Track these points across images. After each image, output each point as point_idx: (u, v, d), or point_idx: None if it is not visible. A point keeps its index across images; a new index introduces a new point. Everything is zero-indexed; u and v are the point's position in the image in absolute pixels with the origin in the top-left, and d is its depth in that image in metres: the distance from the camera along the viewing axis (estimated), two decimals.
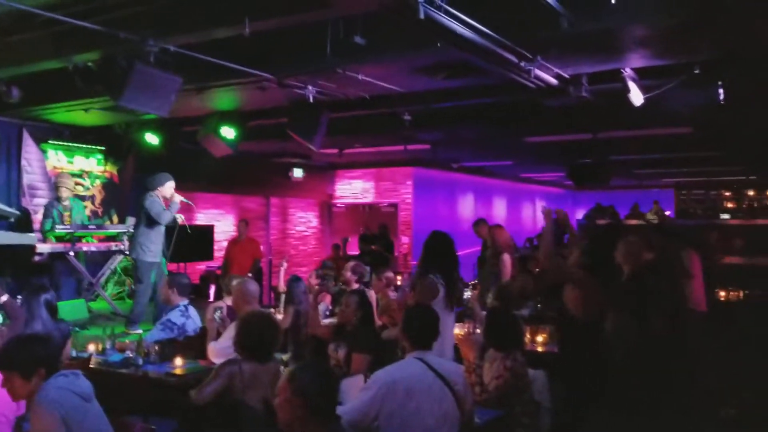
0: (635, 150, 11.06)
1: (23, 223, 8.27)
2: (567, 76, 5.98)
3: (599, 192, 17.28)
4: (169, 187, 7.19)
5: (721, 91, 6.07)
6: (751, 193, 19.18)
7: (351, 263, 6.44)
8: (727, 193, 19.53)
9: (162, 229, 7.16)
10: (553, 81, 5.92)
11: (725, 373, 5.25)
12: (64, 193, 8.18)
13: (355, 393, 3.24)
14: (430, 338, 3.35)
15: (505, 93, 6.49)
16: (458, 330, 4.89)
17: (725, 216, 16.39)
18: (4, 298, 4.55)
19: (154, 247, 7.10)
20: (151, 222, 7.03)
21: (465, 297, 6.40)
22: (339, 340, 4.56)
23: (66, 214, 8.10)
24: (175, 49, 5.32)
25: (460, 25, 4.35)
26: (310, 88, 6.29)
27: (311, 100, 6.41)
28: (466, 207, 15.57)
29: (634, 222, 14.85)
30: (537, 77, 5.64)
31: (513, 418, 3.78)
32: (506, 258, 7.04)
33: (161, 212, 7.02)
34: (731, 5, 4.28)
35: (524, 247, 13.31)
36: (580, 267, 4.32)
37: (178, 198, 7.20)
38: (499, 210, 16.79)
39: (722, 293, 8.91)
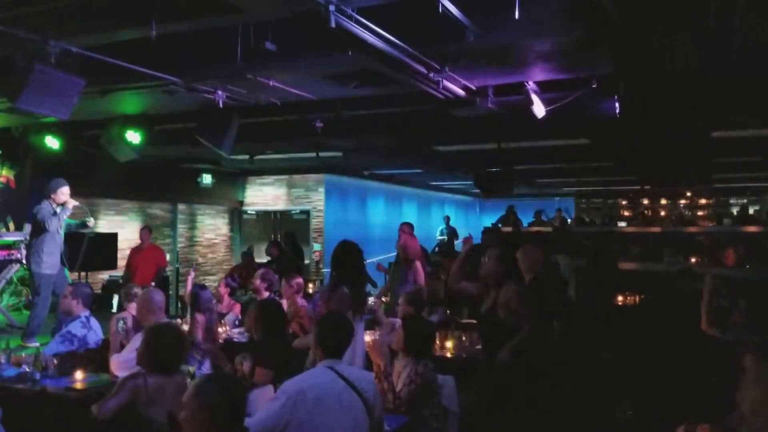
0: (538, 160, 11.54)
1: None
2: (474, 87, 6.19)
3: (506, 200, 17.87)
4: (61, 193, 6.92)
5: (617, 104, 6.45)
6: (645, 201, 20.43)
7: (260, 271, 6.35)
8: (624, 202, 20.72)
9: (57, 238, 6.85)
10: (461, 92, 6.11)
11: (621, 375, 5.51)
12: None
13: (264, 404, 3.21)
14: (342, 347, 3.35)
15: (415, 103, 6.62)
16: (367, 337, 4.93)
17: (622, 223, 17.31)
18: None
19: (49, 257, 6.78)
20: (41, 230, 6.74)
21: (369, 304, 6.45)
22: (246, 350, 4.48)
23: None
24: (78, 50, 5.10)
25: (370, 34, 4.41)
26: (219, 93, 6.19)
27: (221, 106, 6.31)
28: (377, 213, 15.74)
29: (536, 229, 15.44)
30: (445, 88, 5.80)
31: (421, 424, 3.84)
32: (418, 265, 7.16)
33: (47, 217, 6.73)
34: (622, 24, 4.57)
35: (433, 253, 13.59)
36: (501, 274, 4.48)
37: (72, 203, 6.95)
38: (409, 216, 17.00)
39: (619, 297, 9.40)
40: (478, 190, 17.08)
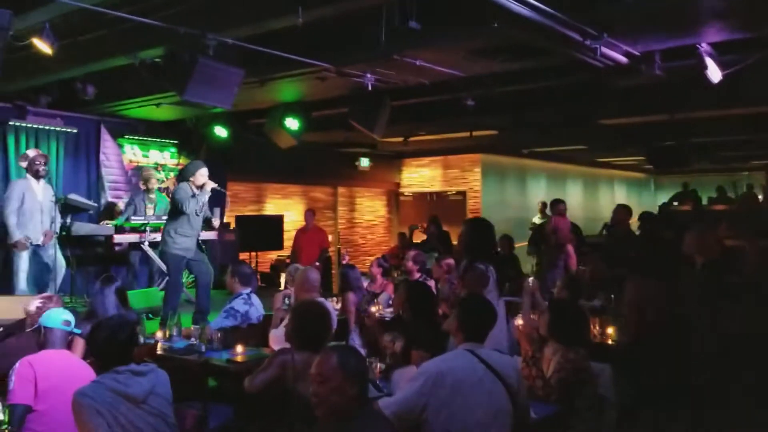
0: (717, 131, 10.46)
1: (107, 215, 8.70)
2: (637, 53, 5.70)
3: (685, 176, 16.49)
4: (200, 175, 6.72)
5: None
6: None
7: (412, 252, 6.37)
8: None
9: (194, 221, 6.69)
10: (622, 59, 5.67)
11: None
12: (154, 184, 8.52)
13: (404, 384, 3.18)
14: (484, 331, 3.24)
15: (570, 74, 6.29)
16: (518, 321, 4.74)
17: None
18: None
19: (179, 238, 6.63)
20: (177, 211, 6.65)
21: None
22: (396, 330, 4.49)
23: (150, 206, 8.43)
24: (233, 41, 5.39)
25: (516, 3, 4.20)
26: (368, 76, 6.25)
27: (370, 88, 6.37)
28: (538, 194, 15.17)
29: (720, 207, 14.07)
30: (604, 55, 5.42)
31: (573, 413, 3.62)
32: (570, 249, 6.78)
33: (184, 199, 6.56)
34: None
35: (600, 235, 12.86)
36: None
37: (210, 185, 6.73)
38: (574, 197, 16.27)
39: None
40: (651, 166, 15.93)
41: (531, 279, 5.53)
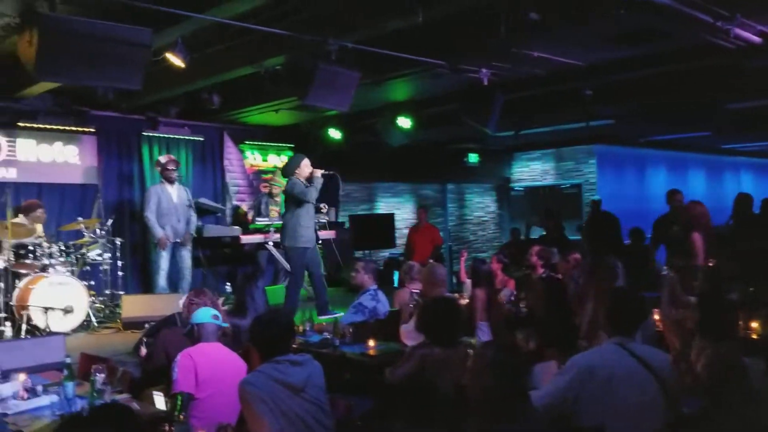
0: None
1: (235, 217, 9.21)
2: None
3: None
4: (304, 166, 6.76)
5: None
6: None
7: (536, 247, 6.25)
8: None
9: (311, 211, 6.78)
10: (756, 39, 5.36)
11: None
12: (276, 189, 8.91)
13: (548, 377, 3.16)
14: (634, 324, 3.18)
15: (698, 57, 5.97)
16: (656, 316, 4.58)
17: None
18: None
19: (304, 231, 6.67)
20: (298, 205, 6.68)
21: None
22: (528, 327, 4.45)
23: (275, 209, 8.82)
24: (353, 45, 5.52)
25: None
26: (484, 71, 6.22)
27: (485, 83, 6.33)
28: (658, 184, 14.48)
29: None
30: (737, 37, 5.13)
31: (725, 409, 3.46)
32: (696, 237, 6.40)
33: (305, 190, 6.63)
34: None
35: (727, 225, 12.10)
36: None
37: (319, 172, 6.79)
38: (696, 186, 15.42)
39: None
40: None
41: (670, 273, 5.33)
